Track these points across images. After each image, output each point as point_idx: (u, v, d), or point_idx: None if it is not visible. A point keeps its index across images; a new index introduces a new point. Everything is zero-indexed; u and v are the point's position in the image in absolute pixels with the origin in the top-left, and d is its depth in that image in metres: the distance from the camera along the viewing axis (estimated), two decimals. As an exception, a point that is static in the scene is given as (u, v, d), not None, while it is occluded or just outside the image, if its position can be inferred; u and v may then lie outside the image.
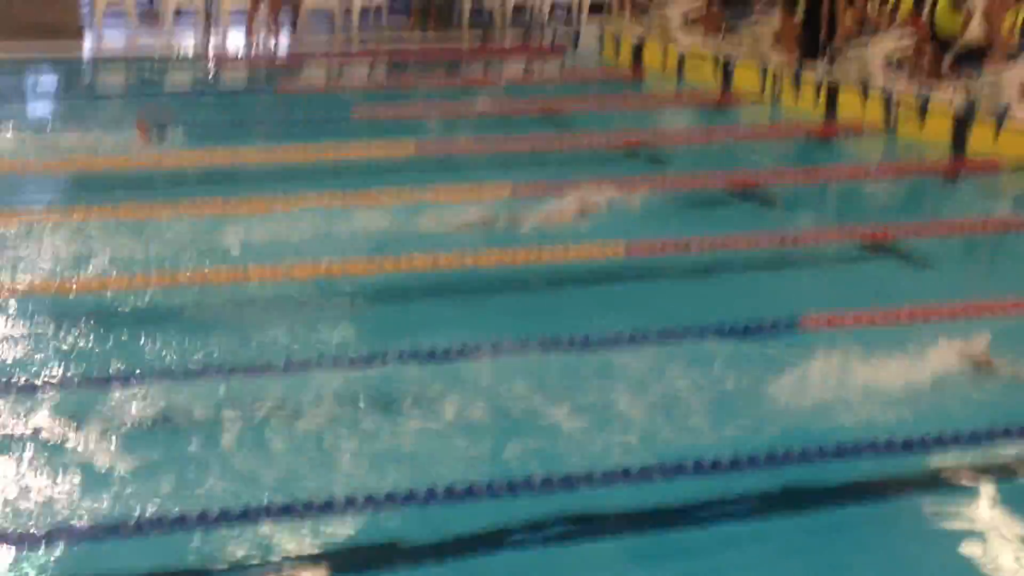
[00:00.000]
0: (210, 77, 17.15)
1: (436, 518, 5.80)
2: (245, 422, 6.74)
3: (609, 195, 10.51)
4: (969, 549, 5.74)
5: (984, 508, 6.15)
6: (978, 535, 5.86)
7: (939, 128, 12.97)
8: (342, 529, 5.70)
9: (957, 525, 5.96)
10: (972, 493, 6.29)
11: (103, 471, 6.22)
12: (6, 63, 16.80)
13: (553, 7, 20.77)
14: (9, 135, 13.24)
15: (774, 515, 6.00)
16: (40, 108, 15.01)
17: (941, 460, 6.51)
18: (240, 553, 5.50)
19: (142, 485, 6.10)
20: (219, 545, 5.54)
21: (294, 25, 19.71)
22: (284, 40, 19.55)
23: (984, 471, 6.45)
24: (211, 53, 18.40)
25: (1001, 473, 6.49)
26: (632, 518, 5.90)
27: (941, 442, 6.53)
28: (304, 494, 5.87)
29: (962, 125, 12.72)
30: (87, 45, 18.82)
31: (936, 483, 6.39)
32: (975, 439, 6.60)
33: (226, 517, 5.68)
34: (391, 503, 5.84)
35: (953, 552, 5.72)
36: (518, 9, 20.54)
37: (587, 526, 5.85)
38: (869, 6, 15.39)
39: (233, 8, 20.06)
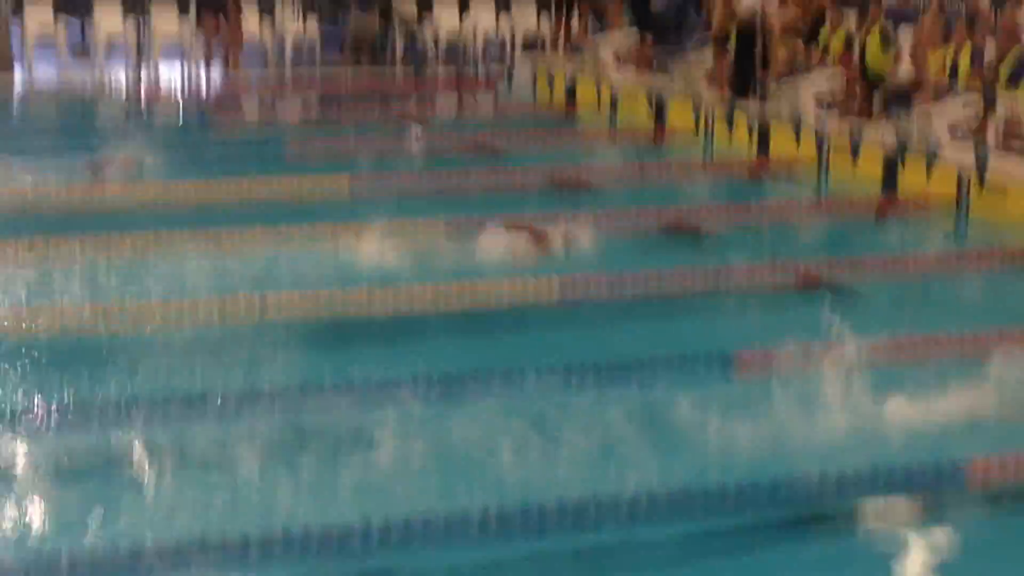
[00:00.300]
0: (143, 111, 17.06)
1: (375, 557, 5.78)
2: (181, 462, 6.69)
3: (553, 233, 10.56)
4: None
5: (920, 547, 6.20)
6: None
7: (871, 166, 13.10)
8: (280, 570, 5.67)
9: (893, 565, 6.02)
10: (901, 532, 6.34)
11: (37, 512, 6.17)
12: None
13: (486, 43, 20.83)
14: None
15: (711, 553, 6.03)
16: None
17: (876, 498, 6.55)
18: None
19: (78, 526, 6.04)
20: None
21: (227, 59, 19.64)
22: (218, 74, 19.48)
23: (918, 509, 6.51)
24: (143, 87, 18.29)
25: (936, 511, 6.54)
26: (567, 557, 5.91)
27: (875, 480, 6.58)
28: (242, 534, 5.83)
29: (893, 164, 12.85)
30: (17, 78, 18.67)
31: (869, 521, 6.43)
32: (908, 477, 6.66)
33: (162, 558, 5.64)
34: (329, 542, 5.81)
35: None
36: (451, 45, 20.58)
37: (522, 565, 5.86)
38: (800, 45, 15.56)
39: (164, 41, 19.98)
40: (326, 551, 5.77)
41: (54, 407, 7.30)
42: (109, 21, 20.18)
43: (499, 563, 5.83)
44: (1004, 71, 13.45)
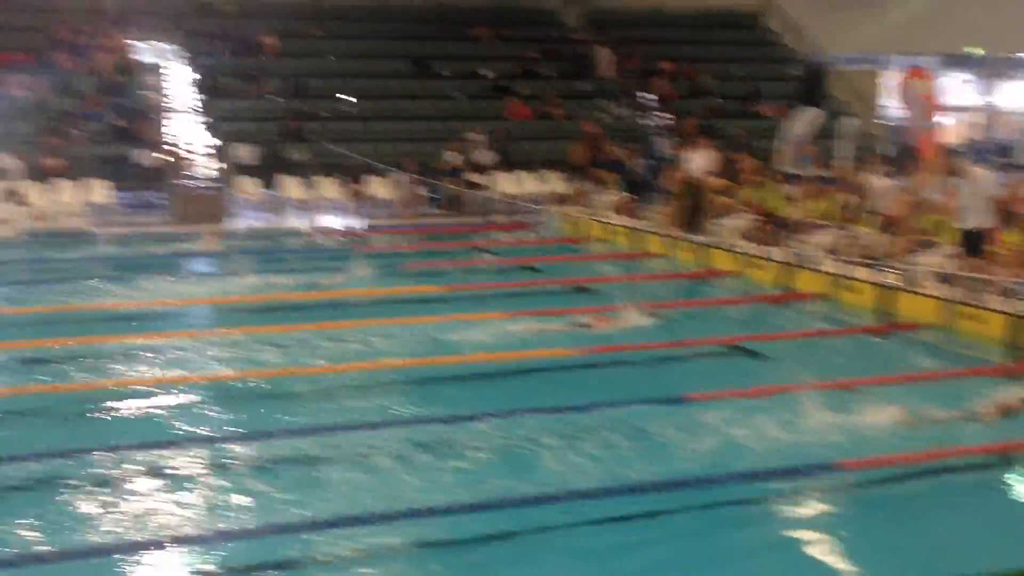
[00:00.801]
0: (314, 242, 17.33)
1: (463, 523, 5.96)
2: (345, 461, 6.94)
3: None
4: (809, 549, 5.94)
5: (818, 519, 6.28)
6: (822, 539, 6.03)
7: (774, 273, 13.22)
8: (414, 531, 5.90)
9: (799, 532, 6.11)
10: (811, 511, 6.44)
11: (250, 496, 6.41)
12: (181, 237, 17.03)
13: (529, 199, 21.02)
14: (186, 280, 13.43)
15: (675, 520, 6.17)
16: (203, 264, 15.23)
17: (787, 486, 6.65)
18: (343, 553, 5.68)
19: (276, 504, 6.26)
20: (330, 545, 5.70)
21: (364, 209, 19.96)
22: (360, 218, 19.78)
23: (820, 494, 6.57)
24: (314, 229, 18.52)
25: (834, 494, 6.60)
26: (588, 523, 6.09)
27: (786, 473, 6.68)
28: (386, 506, 6.06)
29: (788, 271, 12.96)
30: (234, 225, 18.99)
31: (785, 501, 6.53)
32: (813, 470, 6.73)
33: (332, 524, 5.84)
34: (435, 514, 6.02)
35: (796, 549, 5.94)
36: (507, 201, 20.78)
37: (561, 528, 6.02)
38: (726, 199, 15.74)
39: (329, 197, 20.53)
40: (433, 517, 5.96)
41: (264, 429, 7.55)
42: (292, 188, 20.70)
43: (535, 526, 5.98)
44: (860, 213, 13.62)
